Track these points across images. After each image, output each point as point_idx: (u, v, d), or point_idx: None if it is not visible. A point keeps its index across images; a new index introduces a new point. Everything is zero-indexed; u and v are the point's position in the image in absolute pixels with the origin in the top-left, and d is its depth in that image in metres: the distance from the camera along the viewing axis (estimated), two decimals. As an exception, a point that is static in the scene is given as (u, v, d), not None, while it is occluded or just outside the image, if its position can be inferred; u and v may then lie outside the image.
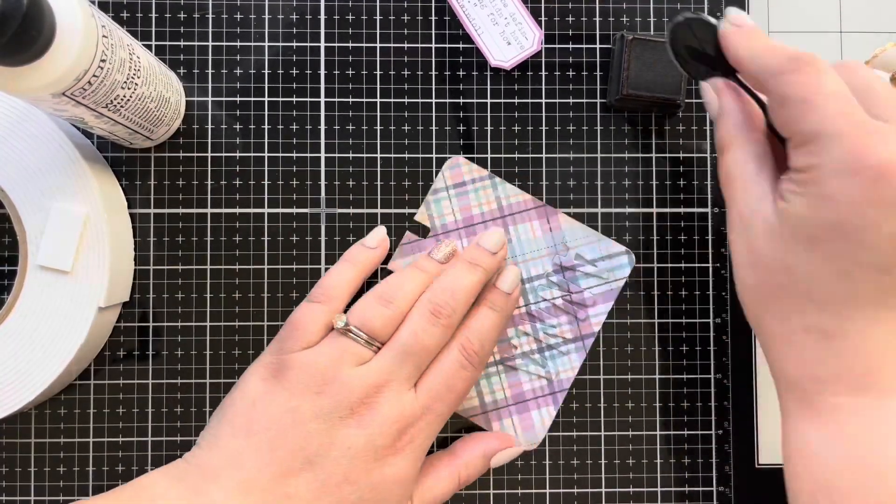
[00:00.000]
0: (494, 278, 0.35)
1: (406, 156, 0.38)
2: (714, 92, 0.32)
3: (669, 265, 0.38)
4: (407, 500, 0.32)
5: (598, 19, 0.38)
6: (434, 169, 0.38)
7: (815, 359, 0.27)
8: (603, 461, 0.38)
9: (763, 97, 0.30)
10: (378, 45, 0.38)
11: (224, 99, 0.38)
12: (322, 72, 0.38)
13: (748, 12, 0.39)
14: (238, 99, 0.38)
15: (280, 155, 0.38)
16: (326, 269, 0.38)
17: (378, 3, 0.38)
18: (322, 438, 0.30)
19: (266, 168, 0.38)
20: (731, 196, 0.30)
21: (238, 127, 0.38)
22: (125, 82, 0.30)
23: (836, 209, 0.26)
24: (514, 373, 0.37)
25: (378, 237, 0.36)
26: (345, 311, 0.33)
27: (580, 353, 0.37)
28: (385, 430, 0.30)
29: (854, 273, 0.26)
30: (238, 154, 0.38)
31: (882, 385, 0.26)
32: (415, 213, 0.38)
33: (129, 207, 0.37)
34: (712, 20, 0.31)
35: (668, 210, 0.38)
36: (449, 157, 0.38)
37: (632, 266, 0.38)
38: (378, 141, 0.38)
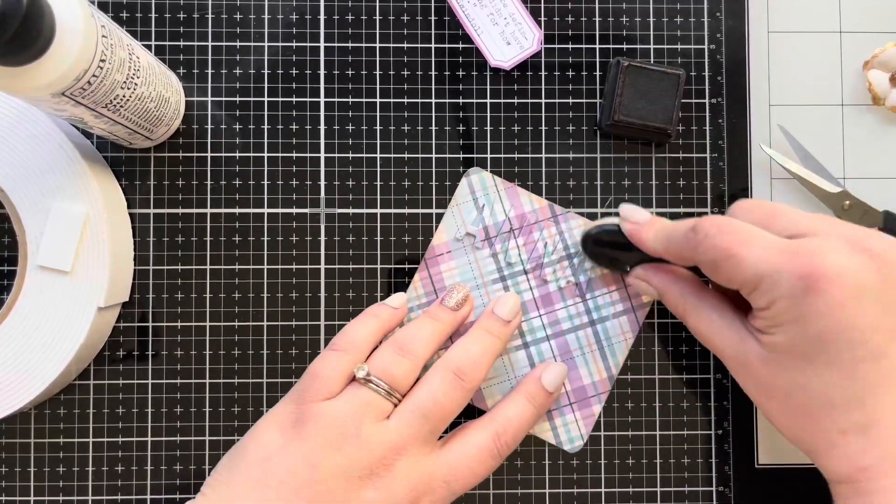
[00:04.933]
0: (540, 372, 0.35)
1: (406, 156, 0.38)
2: (642, 281, 0.35)
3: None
4: None
5: (597, 19, 0.38)
6: (434, 169, 0.38)
7: (859, 452, 0.28)
8: (603, 461, 0.38)
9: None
10: (378, 45, 0.38)
11: (224, 99, 0.38)
12: (322, 72, 0.38)
13: (748, 13, 0.39)
14: (238, 99, 0.38)
15: (280, 155, 0.38)
16: (326, 270, 0.38)
17: (378, 3, 0.38)
18: (339, 497, 0.29)
19: (266, 168, 0.38)
20: (717, 350, 0.32)
21: (238, 127, 0.38)
22: (125, 82, 0.30)
23: (814, 325, 0.27)
24: (572, 364, 0.37)
25: (401, 300, 0.36)
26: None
27: (633, 325, 0.37)
28: (402, 496, 0.30)
29: (858, 369, 0.27)
30: (238, 154, 0.38)
31: None
32: (415, 214, 0.38)
33: (129, 207, 0.37)
34: (614, 224, 0.34)
35: (668, 210, 0.38)
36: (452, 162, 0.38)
37: None
38: (378, 141, 0.38)
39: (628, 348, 0.37)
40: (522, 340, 0.37)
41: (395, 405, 0.32)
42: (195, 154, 0.38)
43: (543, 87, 0.38)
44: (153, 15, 0.38)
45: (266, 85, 0.38)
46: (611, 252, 0.35)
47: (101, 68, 0.28)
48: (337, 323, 0.38)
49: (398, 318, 0.35)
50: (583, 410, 0.37)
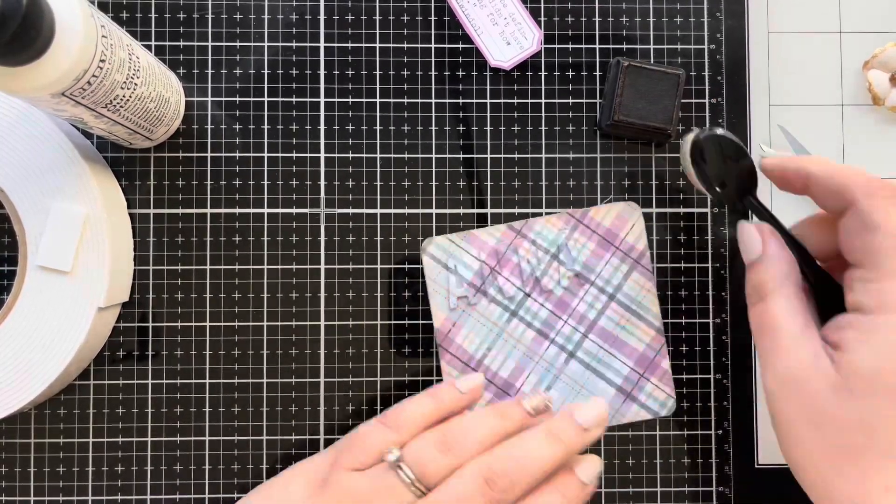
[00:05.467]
0: (574, 460, 0.30)
1: (406, 156, 0.38)
2: (755, 234, 0.30)
3: (669, 265, 0.38)
4: None
5: (597, 19, 0.38)
6: (434, 169, 0.38)
7: None
8: (603, 461, 0.38)
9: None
10: (378, 45, 0.38)
11: (224, 99, 0.38)
12: (322, 72, 0.38)
13: (748, 13, 0.39)
14: (238, 99, 0.38)
15: (280, 155, 0.38)
16: (326, 270, 0.38)
17: (378, 3, 0.38)
18: None
19: (266, 168, 0.38)
20: (773, 350, 0.27)
21: (238, 127, 0.38)
22: (124, 82, 0.30)
23: None
24: (619, 342, 0.37)
25: (473, 383, 0.33)
26: None
27: (646, 275, 0.37)
28: None
29: None
30: (238, 154, 0.38)
31: None
32: (415, 214, 0.38)
33: (129, 207, 0.37)
34: (728, 136, 0.30)
35: (668, 210, 0.38)
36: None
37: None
38: (378, 141, 0.38)
39: (656, 296, 0.37)
40: (566, 351, 0.37)
41: (419, 496, 0.29)
42: (195, 154, 0.38)
43: (543, 87, 0.38)
44: (153, 15, 0.38)
45: (266, 85, 0.38)
46: (722, 169, 0.30)
47: (101, 68, 0.28)
48: (337, 323, 0.38)
49: (464, 403, 0.32)
50: (656, 373, 0.37)
